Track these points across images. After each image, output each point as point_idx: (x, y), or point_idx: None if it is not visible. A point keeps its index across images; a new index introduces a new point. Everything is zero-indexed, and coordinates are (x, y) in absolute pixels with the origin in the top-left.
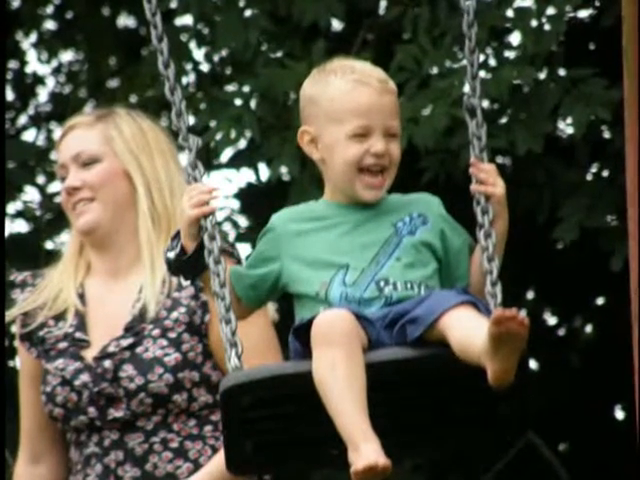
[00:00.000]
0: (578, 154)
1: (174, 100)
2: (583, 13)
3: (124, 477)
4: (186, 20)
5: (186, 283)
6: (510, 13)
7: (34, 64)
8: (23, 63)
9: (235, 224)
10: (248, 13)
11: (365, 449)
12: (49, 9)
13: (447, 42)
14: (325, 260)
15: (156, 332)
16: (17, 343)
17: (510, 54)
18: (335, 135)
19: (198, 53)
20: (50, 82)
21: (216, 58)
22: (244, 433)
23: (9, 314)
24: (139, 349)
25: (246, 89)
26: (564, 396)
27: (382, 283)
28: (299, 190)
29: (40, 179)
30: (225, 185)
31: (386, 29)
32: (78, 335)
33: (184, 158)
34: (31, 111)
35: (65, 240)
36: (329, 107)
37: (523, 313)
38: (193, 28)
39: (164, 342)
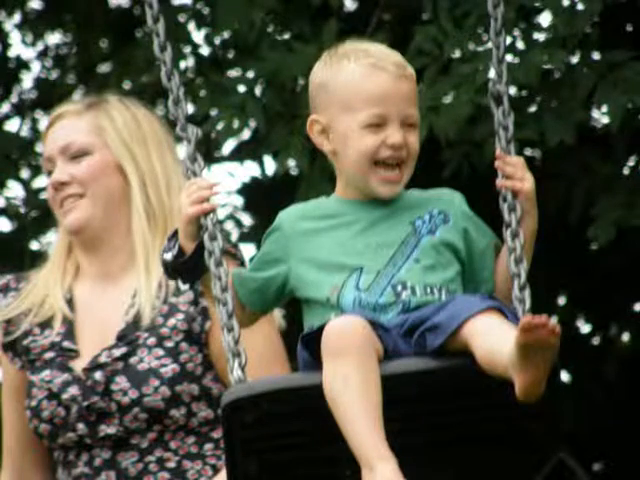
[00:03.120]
0: (614, 146)
1: (171, 87)
2: None
3: None
4: None
5: (184, 287)
6: None
7: (18, 47)
8: (6, 46)
9: (238, 222)
10: None
11: (381, 469)
12: None
13: (471, 23)
14: (337, 262)
15: (151, 341)
16: None
17: (540, 36)
18: (348, 125)
19: (197, 35)
20: (35, 67)
21: (217, 41)
22: (248, 452)
23: None
24: (133, 359)
25: (250, 74)
26: (599, 411)
27: (399, 287)
28: (308, 185)
29: (24, 173)
30: (227, 180)
31: (404, 8)
32: (66, 344)
33: (182, 150)
34: (14, 99)
35: (52, 240)
36: (341, 94)
37: (554, 320)
38: (192, 8)
39: (160, 352)
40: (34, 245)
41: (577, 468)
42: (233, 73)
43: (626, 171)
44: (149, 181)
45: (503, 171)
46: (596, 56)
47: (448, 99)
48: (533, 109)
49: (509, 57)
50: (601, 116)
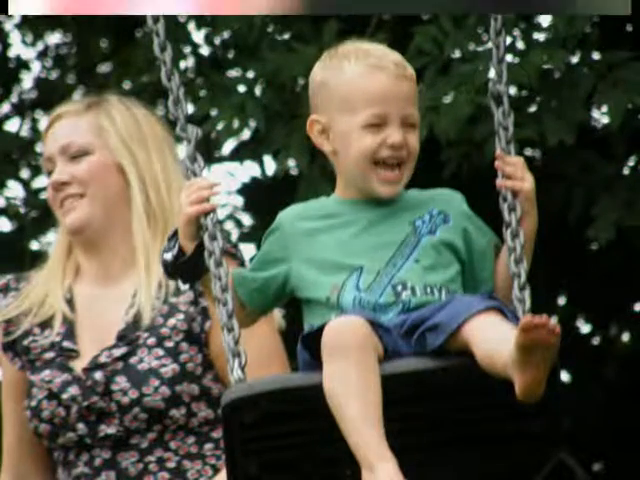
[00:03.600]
0: (614, 145)
1: (171, 87)
2: None
3: None
4: None
5: (184, 287)
6: None
7: (18, 47)
8: (6, 46)
9: (238, 222)
10: None
11: (381, 469)
12: None
13: (471, 23)
14: (337, 262)
15: (151, 341)
16: None
17: (540, 36)
18: (348, 125)
19: (198, 35)
20: (35, 67)
21: (217, 41)
22: (248, 451)
23: None
24: (133, 359)
25: (250, 74)
26: (599, 411)
27: (399, 287)
28: (308, 185)
29: (24, 173)
30: (227, 180)
31: None
32: (66, 344)
33: (182, 150)
34: (14, 99)
35: (52, 240)
36: (341, 94)
37: (554, 320)
38: None
39: (160, 352)
40: (34, 245)
41: (577, 468)
42: (233, 73)
43: (626, 171)
44: (149, 181)
45: (503, 171)
46: (596, 56)
47: (448, 99)
48: (533, 109)
49: (509, 57)
50: (601, 116)
